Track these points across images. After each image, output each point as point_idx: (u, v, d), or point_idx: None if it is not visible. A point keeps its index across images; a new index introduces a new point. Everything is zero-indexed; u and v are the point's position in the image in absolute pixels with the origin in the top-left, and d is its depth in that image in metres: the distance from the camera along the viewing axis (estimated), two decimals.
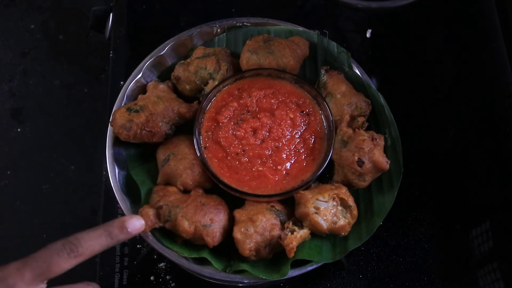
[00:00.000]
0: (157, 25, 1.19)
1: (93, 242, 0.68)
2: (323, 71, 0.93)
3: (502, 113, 1.14)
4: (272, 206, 0.82)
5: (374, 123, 0.91)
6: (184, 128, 0.89)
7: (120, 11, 1.17)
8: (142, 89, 0.93)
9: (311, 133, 0.87)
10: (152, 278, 0.97)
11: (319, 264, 0.81)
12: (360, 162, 0.82)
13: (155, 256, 0.98)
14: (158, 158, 0.88)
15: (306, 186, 0.84)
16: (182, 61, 0.93)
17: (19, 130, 1.23)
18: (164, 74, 0.96)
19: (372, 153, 0.83)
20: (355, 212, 0.82)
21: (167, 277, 0.97)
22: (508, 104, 1.13)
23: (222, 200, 0.84)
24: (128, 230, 0.71)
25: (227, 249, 0.83)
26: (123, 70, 1.10)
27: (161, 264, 0.98)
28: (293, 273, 0.80)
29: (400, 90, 1.14)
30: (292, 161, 0.85)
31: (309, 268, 0.81)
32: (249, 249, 0.79)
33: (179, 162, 0.84)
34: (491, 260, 1.01)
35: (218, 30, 0.98)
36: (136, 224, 0.73)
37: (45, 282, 0.67)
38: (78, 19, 1.35)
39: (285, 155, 0.85)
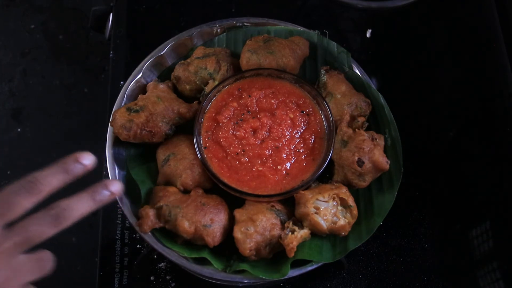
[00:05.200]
0: (157, 25, 1.19)
1: (50, 177, 0.66)
2: (323, 71, 0.93)
3: (502, 113, 1.14)
4: (272, 206, 0.82)
5: (374, 123, 0.91)
6: (184, 128, 0.89)
7: (120, 11, 1.17)
8: (142, 89, 0.93)
9: (311, 133, 0.87)
10: (152, 278, 0.97)
11: (319, 264, 0.81)
12: (360, 162, 0.82)
13: (155, 256, 0.98)
14: (158, 158, 0.88)
15: (306, 186, 0.84)
16: (182, 61, 0.93)
17: (19, 130, 1.23)
18: (164, 74, 0.95)
19: (372, 153, 0.83)
20: (355, 212, 0.82)
21: (167, 277, 0.97)
22: (508, 104, 1.13)
23: (222, 200, 0.84)
24: (83, 162, 0.67)
25: (227, 249, 0.83)
26: (123, 70, 1.10)
27: (161, 264, 0.97)
28: (293, 273, 0.80)
29: (400, 90, 1.14)
30: (292, 161, 0.85)
31: (309, 268, 0.81)
32: (249, 248, 0.79)
33: (179, 162, 0.84)
34: (491, 260, 1.01)
35: (218, 30, 0.98)
36: (89, 158, 0.68)
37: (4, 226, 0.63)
38: (78, 19, 1.35)
39: (285, 155, 0.85)
